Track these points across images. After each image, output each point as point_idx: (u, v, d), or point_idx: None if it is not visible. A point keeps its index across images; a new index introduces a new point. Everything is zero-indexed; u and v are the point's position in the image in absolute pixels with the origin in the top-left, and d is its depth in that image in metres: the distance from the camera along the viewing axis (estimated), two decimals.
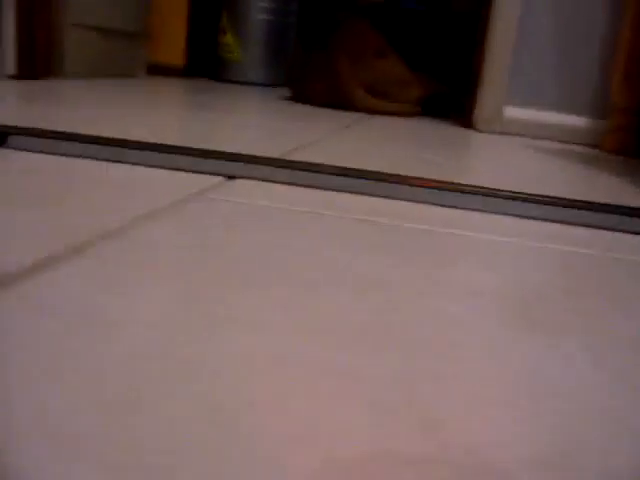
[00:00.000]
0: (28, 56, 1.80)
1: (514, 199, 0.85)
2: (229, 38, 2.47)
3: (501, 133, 1.63)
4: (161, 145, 0.93)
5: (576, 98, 1.62)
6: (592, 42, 1.59)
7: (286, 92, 2.10)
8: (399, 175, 0.89)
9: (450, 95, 1.99)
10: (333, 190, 0.82)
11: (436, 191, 0.88)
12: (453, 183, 0.87)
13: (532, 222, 0.75)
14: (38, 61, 1.83)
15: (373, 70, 1.85)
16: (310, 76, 1.89)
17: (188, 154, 0.92)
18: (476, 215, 0.76)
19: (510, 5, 1.60)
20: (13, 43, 1.76)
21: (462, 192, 0.89)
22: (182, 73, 2.48)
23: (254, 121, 1.46)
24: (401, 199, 0.81)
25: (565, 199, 0.81)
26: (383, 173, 0.87)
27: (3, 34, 1.74)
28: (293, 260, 0.49)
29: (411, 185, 0.89)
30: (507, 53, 1.62)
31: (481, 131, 1.64)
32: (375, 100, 1.84)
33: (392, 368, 0.33)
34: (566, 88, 1.62)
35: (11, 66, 1.75)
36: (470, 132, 1.63)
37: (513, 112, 1.64)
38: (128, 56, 2.25)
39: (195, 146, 0.90)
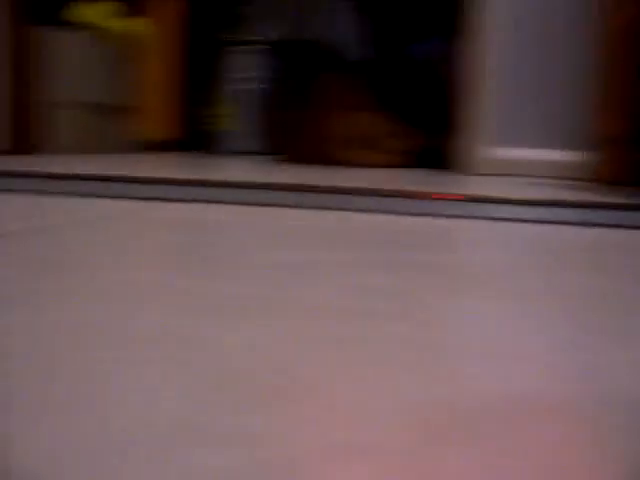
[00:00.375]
0: (20, 132, 1.81)
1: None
2: (221, 109, 2.47)
3: (487, 175, 1.57)
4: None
5: (561, 132, 1.56)
6: (572, 75, 1.56)
7: (279, 158, 2.07)
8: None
9: (438, 145, 1.94)
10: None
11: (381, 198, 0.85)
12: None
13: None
14: (30, 137, 1.84)
15: (357, 124, 1.82)
16: (294, 134, 1.86)
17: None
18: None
19: (486, 46, 1.57)
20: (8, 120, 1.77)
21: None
22: (176, 147, 2.47)
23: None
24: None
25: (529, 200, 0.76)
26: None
27: None
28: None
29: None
30: (486, 94, 1.58)
31: (467, 174, 1.59)
32: (360, 153, 1.80)
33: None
34: (550, 123, 1.57)
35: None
36: (456, 176, 1.57)
37: (498, 153, 1.58)
38: (121, 132, 2.26)
39: None
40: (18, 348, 0.26)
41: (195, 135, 2.57)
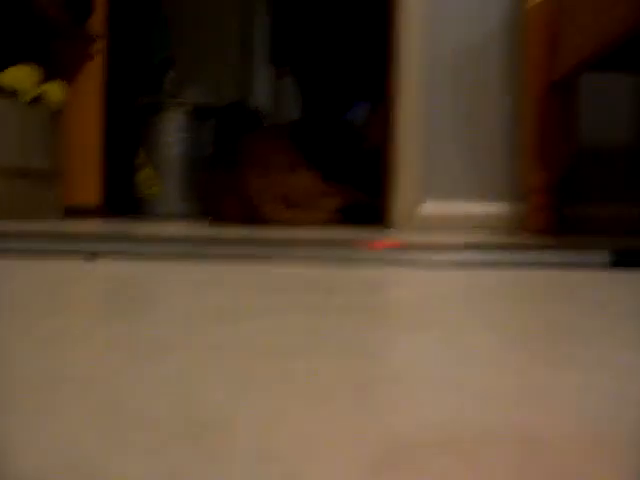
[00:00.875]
0: None
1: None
2: (147, 173, 2.43)
3: (420, 229, 1.57)
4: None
5: (490, 185, 1.59)
6: (498, 129, 1.59)
7: (207, 219, 2.03)
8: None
9: (369, 203, 1.94)
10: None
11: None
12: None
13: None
14: None
15: (285, 183, 1.80)
16: (222, 195, 1.83)
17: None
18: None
19: (412, 105, 1.60)
20: None
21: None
22: (100, 213, 2.40)
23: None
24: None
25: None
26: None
27: None
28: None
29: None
30: (416, 150, 1.60)
31: (399, 230, 1.58)
32: (288, 212, 1.78)
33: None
34: (479, 176, 1.59)
35: None
36: (387, 231, 1.56)
37: (429, 207, 1.59)
38: (40, 197, 2.18)
39: None
40: None
41: (120, 200, 2.51)
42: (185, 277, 0.63)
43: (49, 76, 2.18)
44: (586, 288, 0.64)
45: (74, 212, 2.33)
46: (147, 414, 0.22)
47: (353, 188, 1.95)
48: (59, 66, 2.35)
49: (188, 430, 0.21)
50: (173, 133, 2.43)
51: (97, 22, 2.38)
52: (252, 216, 1.78)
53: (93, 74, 2.40)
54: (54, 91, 2.16)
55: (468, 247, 0.90)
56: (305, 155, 1.91)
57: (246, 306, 0.46)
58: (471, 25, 1.60)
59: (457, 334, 0.38)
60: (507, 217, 1.56)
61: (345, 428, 0.21)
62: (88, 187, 2.39)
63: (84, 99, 2.37)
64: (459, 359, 0.31)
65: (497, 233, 1.44)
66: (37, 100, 2.10)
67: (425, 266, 0.80)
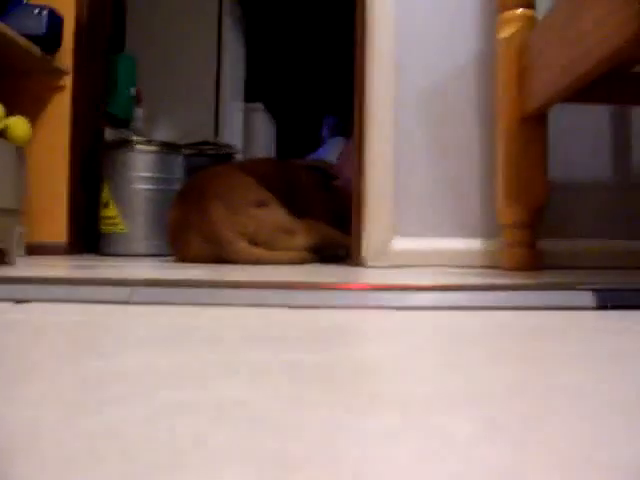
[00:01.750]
0: None
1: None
2: (112, 210, 2.37)
3: (391, 266, 1.53)
4: None
5: (463, 221, 1.56)
6: (469, 164, 1.57)
7: (172, 258, 1.97)
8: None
9: (341, 240, 1.90)
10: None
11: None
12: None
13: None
14: None
15: (253, 220, 1.75)
16: (188, 233, 1.78)
17: None
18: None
19: (381, 141, 1.57)
20: None
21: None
22: (65, 251, 2.33)
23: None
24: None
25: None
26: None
27: None
28: None
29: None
30: (386, 186, 1.56)
31: (370, 267, 1.54)
32: (258, 250, 1.73)
33: None
34: (451, 213, 1.56)
35: None
36: (357, 269, 1.52)
37: (400, 243, 1.55)
38: (3, 234, 2.11)
39: None
40: None
41: (86, 238, 2.45)
42: (129, 324, 0.58)
43: (14, 110, 2.13)
44: (571, 333, 0.60)
45: (39, 250, 2.26)
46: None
47: (324, 225, 1.91)
48: (24, 100, 2.30)
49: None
50: (139, 170, 2.38)
51: (64, 57, 2.34)
52: (218, 255, 1.73)
53: (60, 109, 2.36)
54: (19, 126, 2.11)
55: (443, 288, 0.86)
56: (274, 191, 1.87)
57: (201, 364, 0.41)
58: (441, 60, 1.58)
59: (426, 414, 0.32)
60: (481, 253, 1.53)
61: None
62: (53, 224, 2.33)
63: (50, 134, 2.32)
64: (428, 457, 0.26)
65: (471, 270, 1.40)
66: (1, 135, 2.04)
67: (397, 310, 0.76)
